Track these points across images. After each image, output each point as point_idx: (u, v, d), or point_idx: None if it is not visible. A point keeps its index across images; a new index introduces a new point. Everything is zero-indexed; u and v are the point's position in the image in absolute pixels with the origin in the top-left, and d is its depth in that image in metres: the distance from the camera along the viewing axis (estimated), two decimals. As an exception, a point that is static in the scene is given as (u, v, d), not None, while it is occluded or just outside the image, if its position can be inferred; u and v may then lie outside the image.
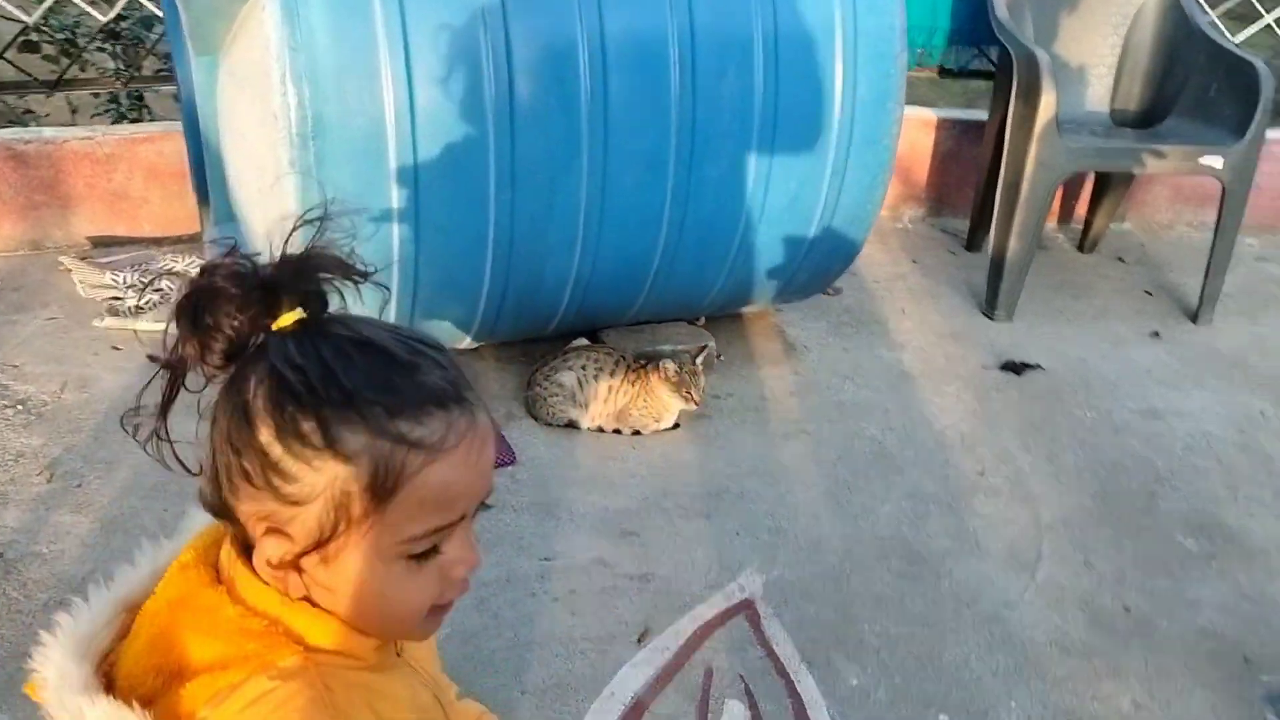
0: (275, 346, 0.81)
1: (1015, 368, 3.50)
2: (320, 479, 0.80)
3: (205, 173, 3.12)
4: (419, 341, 0.85)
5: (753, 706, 2.18)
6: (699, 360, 3.01)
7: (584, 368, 2.94)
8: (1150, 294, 4.17)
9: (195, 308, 0.81)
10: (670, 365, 2.94)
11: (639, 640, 2.32)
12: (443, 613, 0.92)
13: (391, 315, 2.72)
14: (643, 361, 3.00)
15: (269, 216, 2.54)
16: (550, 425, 2.99)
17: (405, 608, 0.88)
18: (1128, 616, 2.51)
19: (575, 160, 2.60)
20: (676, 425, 3.04)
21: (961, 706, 2.21)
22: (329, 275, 0.84)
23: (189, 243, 3.72)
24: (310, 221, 0.86)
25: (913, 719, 2.17)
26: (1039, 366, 3.52)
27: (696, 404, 2.98)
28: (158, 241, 3.78)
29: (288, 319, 0.82)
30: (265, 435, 0.80)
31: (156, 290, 3.18)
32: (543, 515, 2.67)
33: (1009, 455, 3.06)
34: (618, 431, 2.99)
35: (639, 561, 2.54)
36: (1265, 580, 2.65)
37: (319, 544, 0.82)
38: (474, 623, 2.32)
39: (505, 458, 2.84)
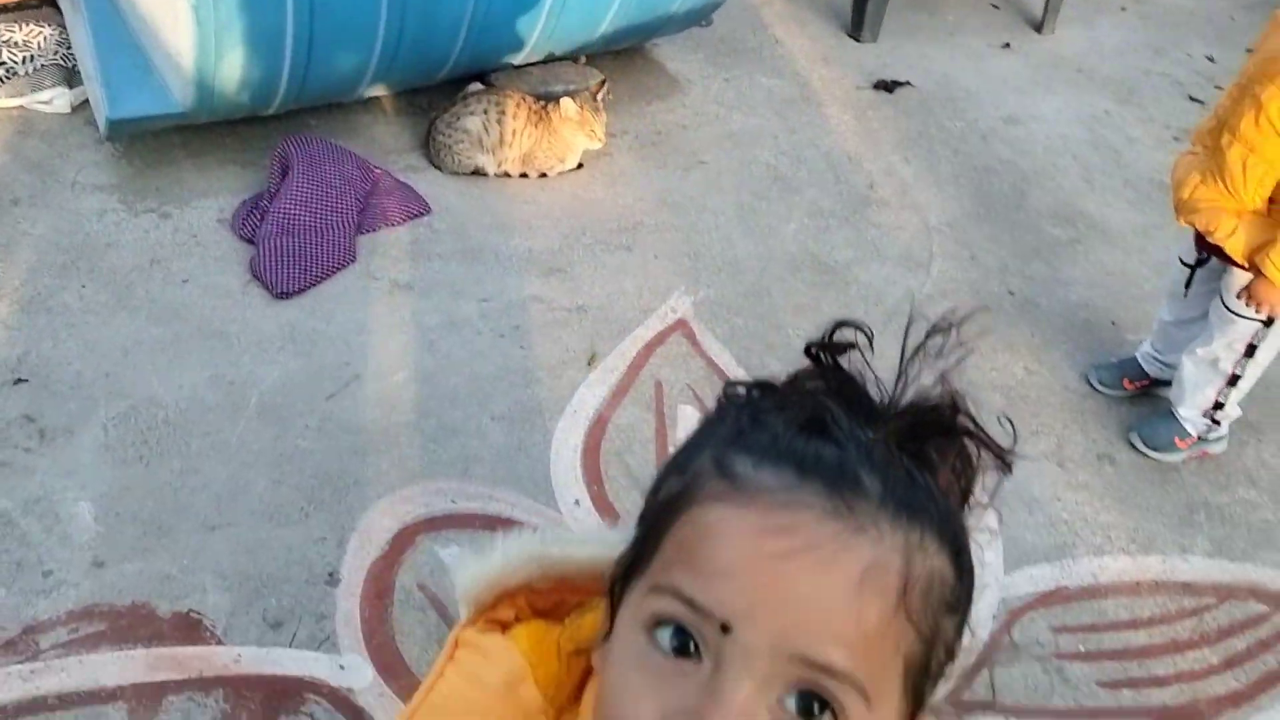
0: None
1: (887, 86, 3.65)
2: (660, 494, 0.67)
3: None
4: (863, 423, 0.64)
5: (704, 409, 2.37)
6: (600, 97, 3.01)
7: (486, 112, 2.91)
8: (997, 7, 4.34)
9: None
10: (570, 103, 2.94)
11: (589, 364, 2.45)
12: None
13: (285, 67, 2.61)
14: (543, 103, 2.99)
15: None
16: (456, 174, 2.97)
17: (617, 709, 0.63)
18: (1012, 299, 2.80)
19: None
20: (580, 165, 3.07)
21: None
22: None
23: (33, 10, 3.36)
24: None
25: (846, 403, 2.42)
26: (908, 83, 3.68)
27: (599, 141, 3.01)
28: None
29: None
30: None
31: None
32: (469, 260, 2.71)
33: (893, 168, 3.25)
34: (524, 175, 3.01)
35: (572, 295, 2.64)
36: (1124, 258, 2.98)
37: (622, 573, 0.67)
38: (429, 364, 2.40)
39: (418, 208, 2.83)
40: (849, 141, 3.35)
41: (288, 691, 1.78)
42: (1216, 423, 2.34)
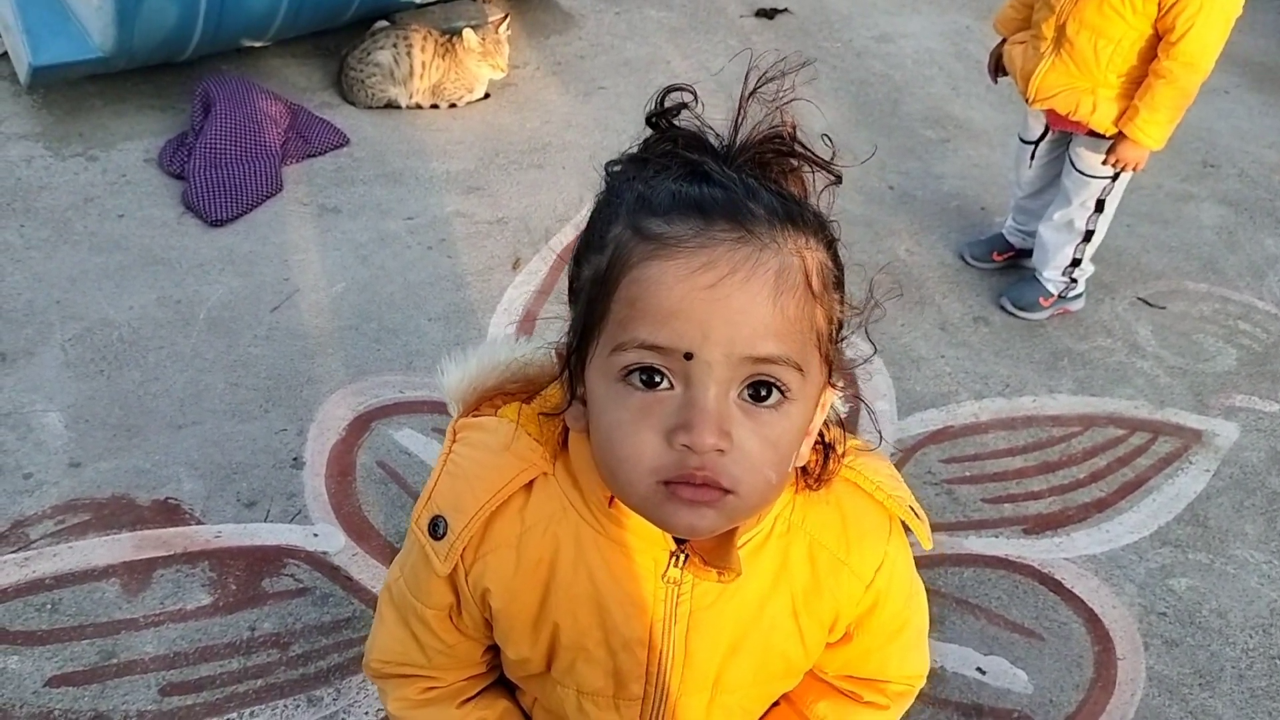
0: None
1: (768, 14, 3.91)
2: (585, 271, 0.79)
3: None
4: (750, 170, 0.79)
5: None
6: (502, 30, 3.19)
7: (395, 46, 3.07)
8: (864, -60, 4.63)
9: None
10: (471, 34, 3.11)
11: (514, 268, 2.65)
12: (678, 493, 0.75)
13: (200, 8, 2.72)
14: (449, 36, 3.16)
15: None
16: (370, 108, 3.13)
17: (627, 449, 0.76)
18: (892, 193, 3.09)
19: None
20: (487, 95, 3.25)
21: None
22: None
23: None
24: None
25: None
26: (787, 10, 3.95)
27: (503, 71, 3.19)
28: None
29: None
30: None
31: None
32: (392, 184, 2.88)
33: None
34: (435, 106, 3.18)
35: (492, 209, 2.83)
36: (989, 152, 3.29)
37: (574, 346, 0.80)
38: (364, 275, 2.57)
39: (337, 140, 2.98)
40: (736, 64, 3.56)
41: (268, 558, 1.95)
42: (1074, 281, 2.65)
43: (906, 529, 0.96)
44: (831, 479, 0.88)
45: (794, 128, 0.81)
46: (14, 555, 1.89)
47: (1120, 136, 2.35)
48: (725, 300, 0.71)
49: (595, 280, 0.77)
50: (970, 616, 1.96)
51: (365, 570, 1.94)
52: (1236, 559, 2.13)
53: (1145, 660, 1.92)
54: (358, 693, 1.73)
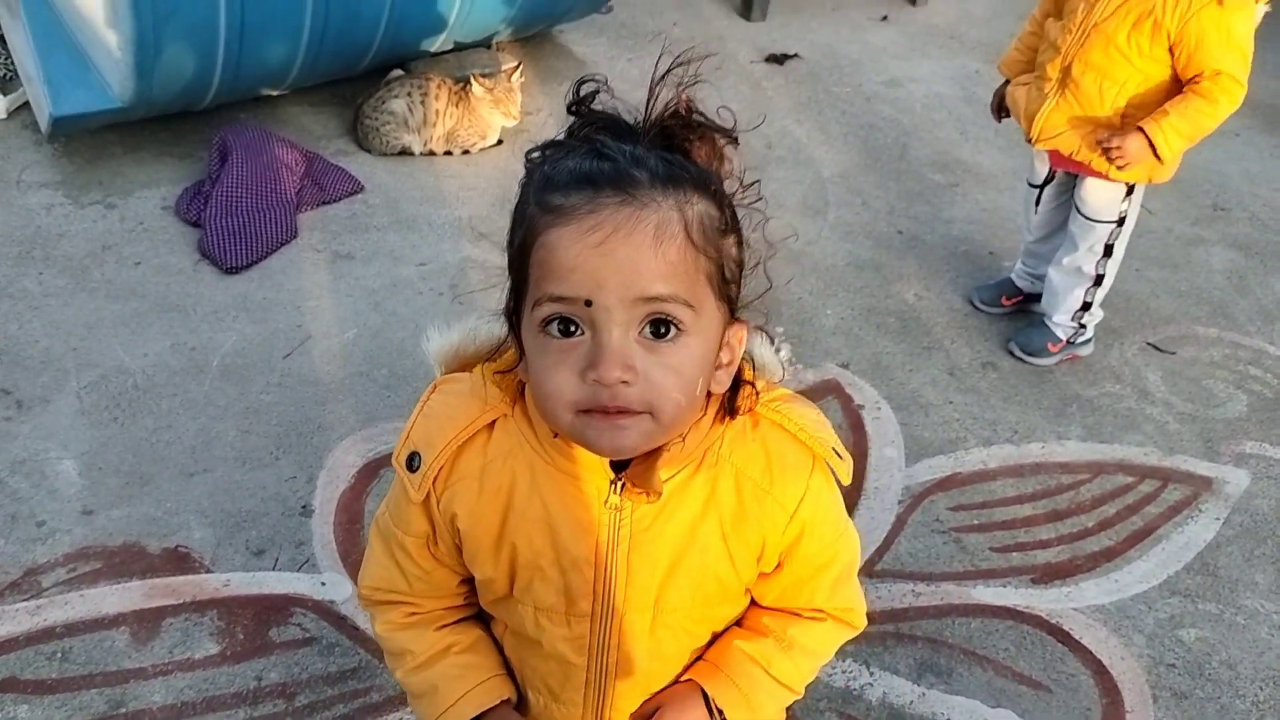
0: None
1: (778, 59, 3.95)
2: (512, 246, 0.93)
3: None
4: (628, 141, 0.91)
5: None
6: (514, 79, 3.24)
7: (410, 94, 3.12)
8: (875, -16, 4.68)
9: None
10: (476, 84, 3.16)
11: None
12: (594, 420, 0.89)
13: (218, 59, 2.78)
14: (462, 85, 3.21)
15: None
16: (385, 155, 3.17)
17: (549, 386, 0.89)
18: (901, 237, 3.10)
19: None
20: (500, 142, 3.29)
21: (793, 319, 2.74)
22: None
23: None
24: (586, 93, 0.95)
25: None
26: (797, 55, 3.99)
27: (516, 118, 3.24)
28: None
29: None
30: None
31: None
32: (405, 230, 2.91)
33: (788, 130, 3.53)
34: (449, 153, 3.22)
35: (503, 255, 2.84)
36: (997, 196, 3.31)
37: (510, 309, 0.94)
38: (375, 321, 2.60)
39: (352, 187, 3.02)
40: (747, 109, 3.60)
41: (275, 607, 1.97)
42: (1083, 326, 2.65)
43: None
44: (748, 409, 1.01)
45: (688, 103, 0.95)
46: (26, 603, 1.92)
47: (1137, 131, 2.30)
48: (612, 253, 0.84)
49: (517, 251, 0.91)
50: (978, 668, 1.96)
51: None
52: (1247, 609, 2.11)
53: (1154, 713, 1.90)
54: (362, 744, 1.73)
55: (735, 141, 0.98)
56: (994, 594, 2.12)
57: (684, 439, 0.97)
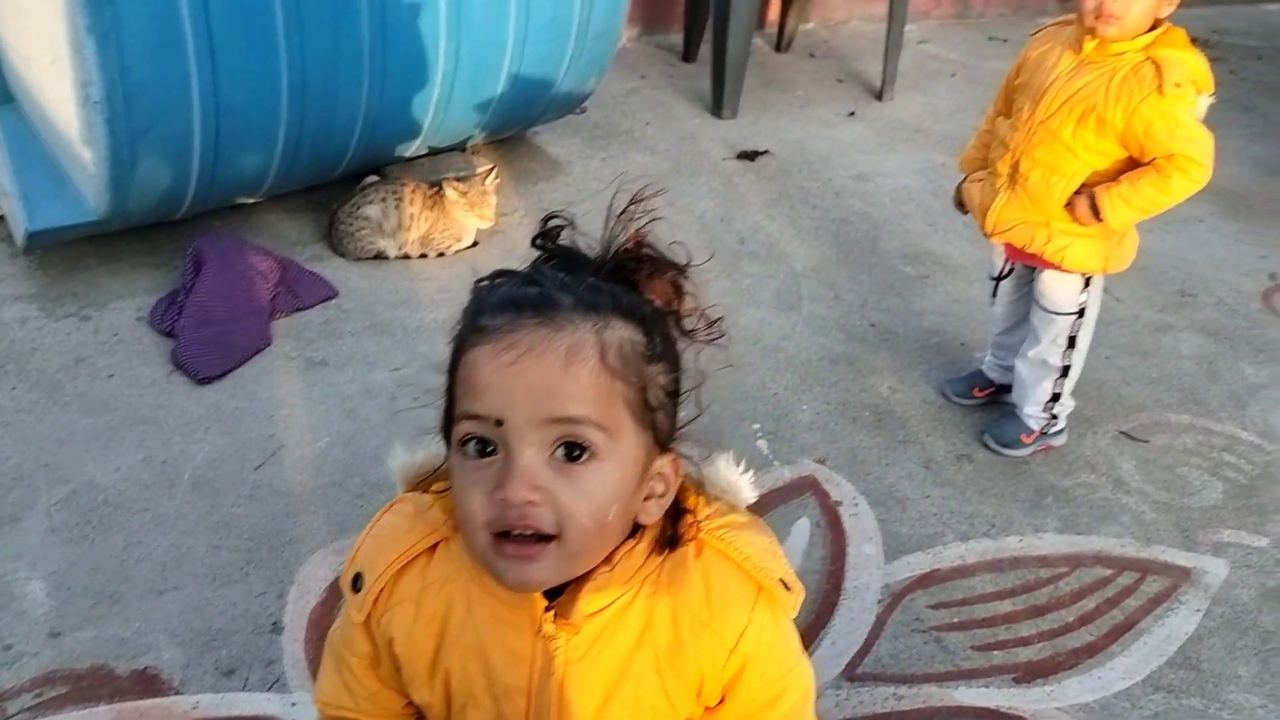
0: None
1: (749, 155, 4.03)
2: (449, 364, 0.98)
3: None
4: (562, 270, 0.97)
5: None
6: (488, 181, 3.29)
7: (385, 200, 3.16)
8: (841, 81, 4.80)
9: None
10: (458, 187, 3.21)
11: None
12: (506, 550, 0.89)
13: (194, 170, 2.81)
14: (437, 188, 3.25)
15: (63, 86, 2.55)
16: (360, 259, 3.20)
17: (465, 508, 0.90)
18: (874, 330, 3.13)
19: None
20: (476, 243, 3.33)
21: (769, 415, 2.75)
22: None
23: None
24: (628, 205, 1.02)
25: (735, 430, 2.69)
26: (768, 152, 4.07)
27: (490, 220, 3.28)
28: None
29: None
30: None
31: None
32: (379, 334, 2.93)
33: (760, 226, 3.59)
34: (424, 256, 3.25)
35: (478, 358, 2.87)
36: (967, 287, 3.35)
37: (443, 425, 0.96)
38: (349, 428, 2.59)
39: (326, 292, 3.04)
40: (719, 206, 3.68)
41: (245, 729, 1.93)
42: (1055, 417, 2.67)
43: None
44: (686, 542, 1.00)
45: (640, 240, 0.99)
46: (-12, 732, 1.87)
47: (1090, 193, 2.34)
48: (524, 373, 0.86)
49: (448, 371, 0.95)
50: (961, 774, 1.92)
51: (344, 739, 1.91)
52: (1231, 704, 2.09)
53: (1142, 818, 1.87)
54: None
55: (686, 276, 1.02)
56: (976, 694, 2.09)
57: (612, 566, 0.96)
